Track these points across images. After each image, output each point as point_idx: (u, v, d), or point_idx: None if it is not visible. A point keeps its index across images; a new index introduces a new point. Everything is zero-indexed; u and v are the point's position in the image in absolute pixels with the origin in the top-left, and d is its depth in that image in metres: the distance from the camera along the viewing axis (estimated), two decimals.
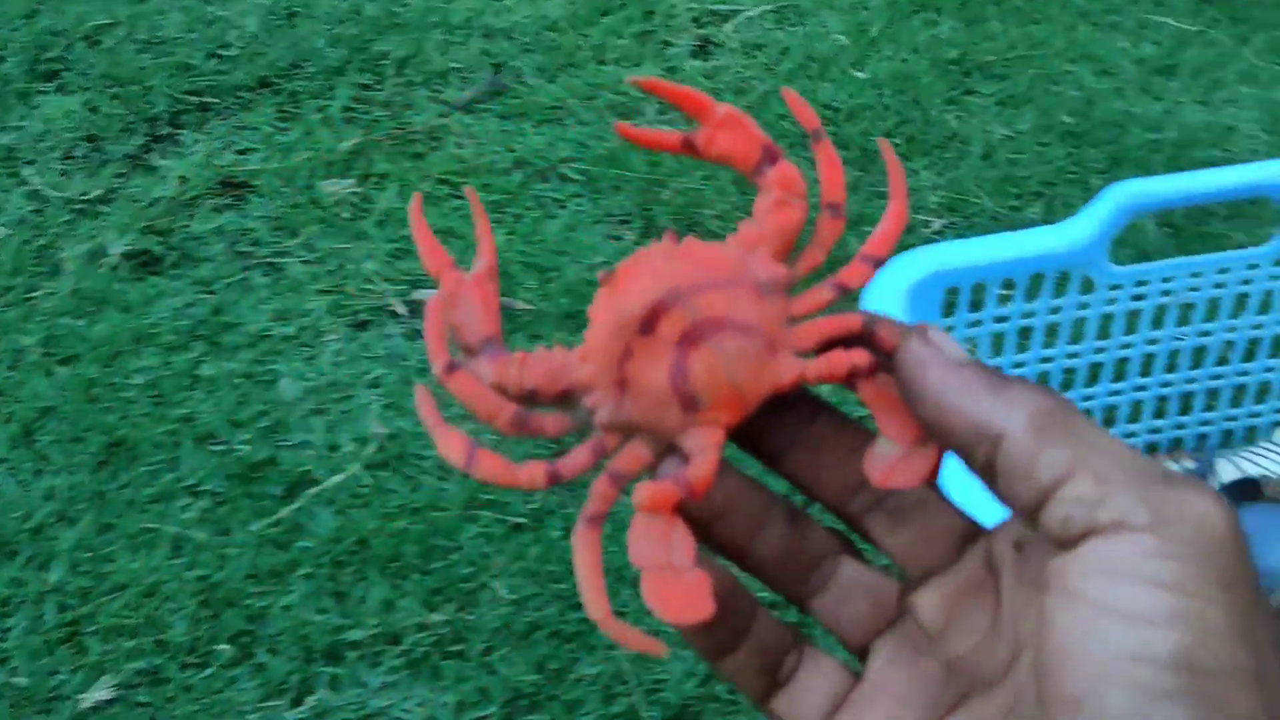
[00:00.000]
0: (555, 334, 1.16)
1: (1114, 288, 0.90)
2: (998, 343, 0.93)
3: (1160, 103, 1.39)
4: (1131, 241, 1.23)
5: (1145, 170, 1.30)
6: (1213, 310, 0.94)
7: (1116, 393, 0.97)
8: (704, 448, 0.29)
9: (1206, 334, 0.95)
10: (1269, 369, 0.98)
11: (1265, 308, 0.95)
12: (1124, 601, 0.23)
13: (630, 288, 0.29)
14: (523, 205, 1.30)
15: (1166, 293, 0.92)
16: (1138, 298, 0.91)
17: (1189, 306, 0.93)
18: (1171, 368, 0.97)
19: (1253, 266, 0.91)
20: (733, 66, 1.45)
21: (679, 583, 0.28)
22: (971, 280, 0.87)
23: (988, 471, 0.26)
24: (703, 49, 1.49)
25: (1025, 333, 0.93)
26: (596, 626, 0.29)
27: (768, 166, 0.31)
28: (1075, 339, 0.93)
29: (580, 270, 1.22)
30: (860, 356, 0.29)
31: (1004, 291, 0.88)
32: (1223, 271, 0.91)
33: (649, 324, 0.29)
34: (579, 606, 0.95)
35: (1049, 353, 0.93)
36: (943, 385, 0.27)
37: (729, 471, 0.30)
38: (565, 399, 0.30)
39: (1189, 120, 1.36)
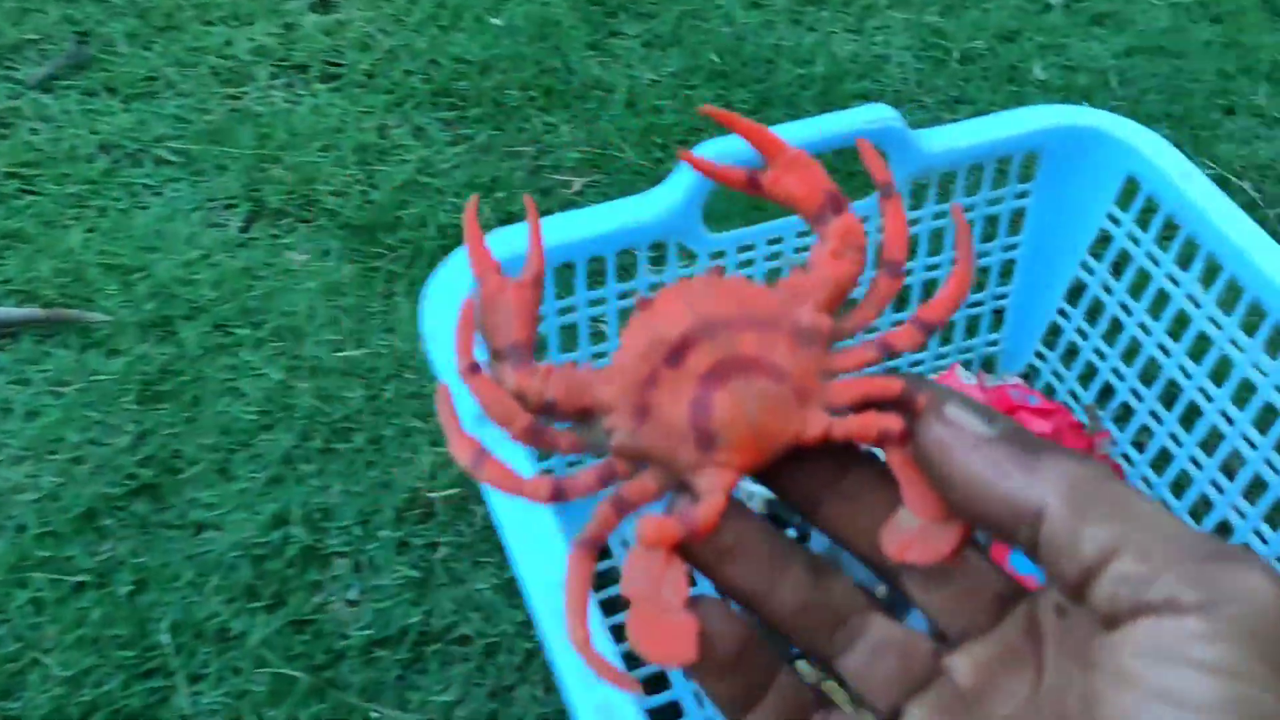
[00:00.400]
0: (138, 346, 1.00)
1: (717, 255, 0.82)
2: (596, 329, 0.83)
3: (812, 34, 1.32)
4: None
5: (794, 109, 1.23)
6: None
7: None
8: (713, 489, 0.28)
9: None
10: (895, 323, 0.92)
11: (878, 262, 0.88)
12: (1174, 686, 0.23)
13: (665, 314, 0.29)
14: (109, 196, 1.13)
15: (775, 255, 0.84)
16: (746, 263, 0.83)
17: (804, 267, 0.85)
18: None
19: (861, 220, 0.84)
20: (356, 20, 1.31)
21: (666, 622, 0.27)
22: (555, 262, 0.76)
23: (1030, 550, 0.26)
24: (323, 2, 1.34)
25: (628, 315, 0.83)
26: (574, 651, 0.28)
27: (830, 215, 0.31)
28: None
29: (173, 268, 1.07)
30: (892, 422, 0.28)
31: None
32: None
33: (678, 353, 0.29)
34: (148, 674, 0.82)
35: None
36: (969, 468, 0.26)
37: (741, 514, 0.29)
38: (584, 417, 0.29)
39: (839, 52, 1.29)
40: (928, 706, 0.28)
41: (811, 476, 0.29)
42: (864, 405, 0.29)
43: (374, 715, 0.81)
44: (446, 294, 0.72)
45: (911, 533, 0.28)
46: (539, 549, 0.60)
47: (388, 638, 0.85)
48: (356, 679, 0.82)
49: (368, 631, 0.85)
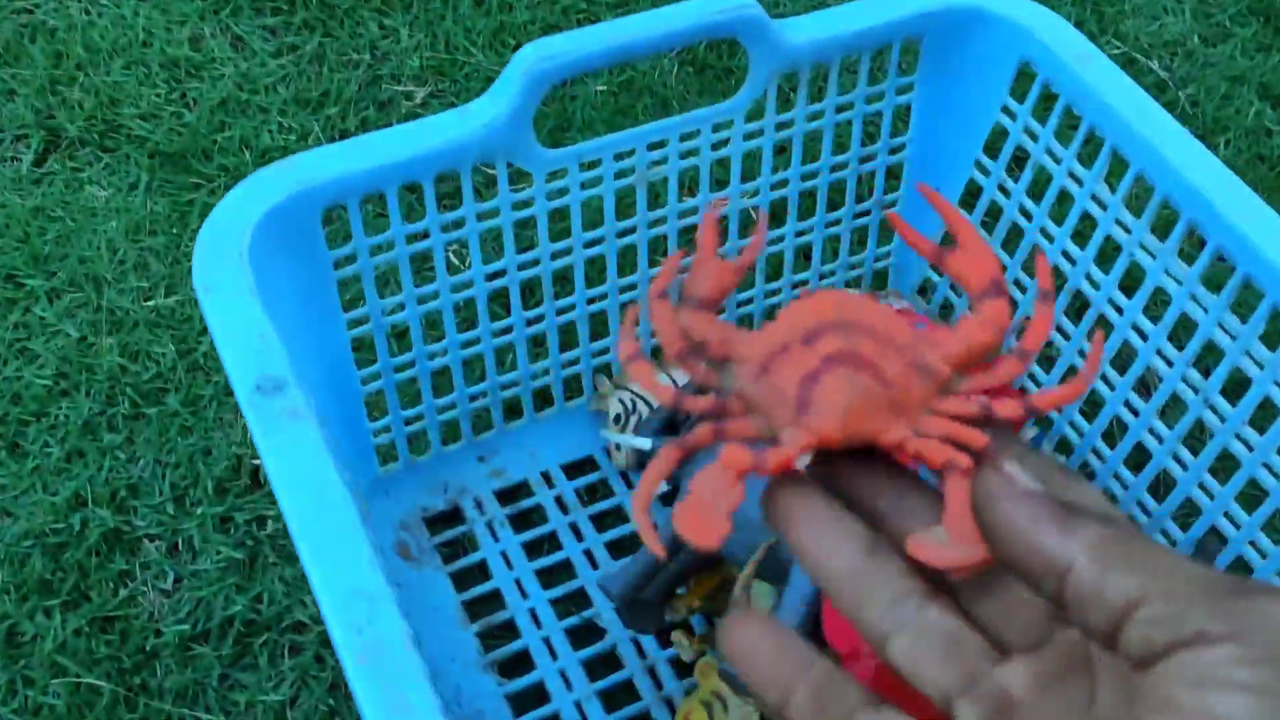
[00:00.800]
0: None
1: (556, 174, 0.71)
2: (422, 267, 0.72)
3: None
4: (650, 88, 1.04)
5: None
6: (691, 182, 0.76)
7: (600, 297, 0.78)
8: (792, 442, 0.33)
9: (690, 212, 0.77)
10: (775, 240, 0.81)
11: (752, 172, 0.77)
12: (1216, 707, 0.25)
13: (814, 304, 0.34)
14: None
15: (625, 172, 0.73)
16: (592, 183, 0.72)
17: (662, 183, 0.74)
18: (659, 256, 0.79)
19: (723, 125, 0.73)
20: None
21: (705, 515, 0.33)
22: (361, 192, 0.65)
23: (1057, 600, 0.28)
24: None
25: (463, 246, 0.72)
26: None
27: (989, 297, 0.35)
28: (526, 245, 0.73)
29: None
30: (961, 458, 0.31)
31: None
32: (689, 136, 0.73)
33: (812, 336, 0.34)
34: None
35: (497, 265, 0.73)
36: (1012, 520, 0.29)
37: (807, 483, 0.33)
38: (723, 362, 0.35)
39: None
40: (980, 706, 0.29)
41: (881, 492, 0.32)
42: (946, 441, 0.33)
43: None
44: (222, 233, 0.60)
45: (937, 541, 0.31)
46: (335, 555, 0.50)
47: (208, 631, 0.74)
48: (172, 683, 0.72)
49: (184, 626, 0.74)
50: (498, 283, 0.73)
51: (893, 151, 0.80)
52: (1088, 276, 0.72)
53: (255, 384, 0.55)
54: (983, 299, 0.36)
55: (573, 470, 0.80)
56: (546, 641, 0.72)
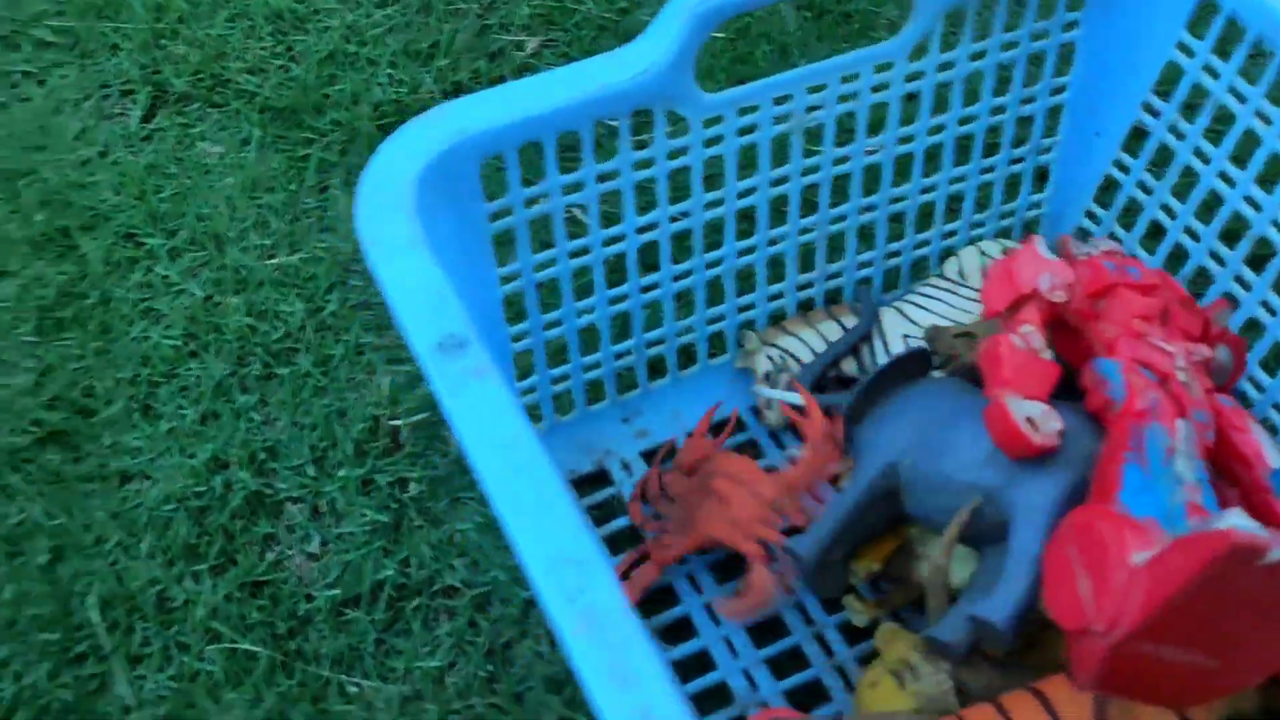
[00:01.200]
0: (32, 266, 0.85)
1: (712, 121, 0.68)
2: (576, 218, 0.69)
3: None
4: (768, 35, 1.00)
5: None
6: (847, 128, 0.72)
7: (748, 250, 0.75)
8: (679, 546, 0.68)
9: (844, 160, 0.74)
10: (928, 189, 0.78)
11: (910, 117, 0.74)
12: None
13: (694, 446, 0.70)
14: None
15: (782, 118, 0.69)
16: (748, 129, 0.69)
17: (817, 130, 0.71)
18: (810, 207, 0.76)
19: (884, 68, 0.70)
20: None
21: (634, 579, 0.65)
22: (518, 142, 0.62)
23: None
24: None
25: (611, 199, 0.69)
26: None
27: (809, 449, 0.67)
28: (680, 195, 0.70)
29: (66, 169, 0.91)
30: (758, 557, 0.65)
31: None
32: (850, 79, 0.70)
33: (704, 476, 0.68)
34: (78, 659, 0.70)
35: (649, 219, 0.70)
36: None
37: None
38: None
39: None
40: None
41: None
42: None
43: (352, 689, 0.69)
44: (384, 186, 0.58)
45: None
46: (540, 521, 0.48)
47: (359, 596, 0.72)
48: (327, 648, 0.70)
49: (334, 590, 0.72)
50: (648, 236, 0.71)
51: (1054, 93, 0.76)
52: (1275, 223, 0.68)
53: (437, 343, 0.53)
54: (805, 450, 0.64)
55: (717, 430, 0.78)
56: (708, 608, 0.70)
